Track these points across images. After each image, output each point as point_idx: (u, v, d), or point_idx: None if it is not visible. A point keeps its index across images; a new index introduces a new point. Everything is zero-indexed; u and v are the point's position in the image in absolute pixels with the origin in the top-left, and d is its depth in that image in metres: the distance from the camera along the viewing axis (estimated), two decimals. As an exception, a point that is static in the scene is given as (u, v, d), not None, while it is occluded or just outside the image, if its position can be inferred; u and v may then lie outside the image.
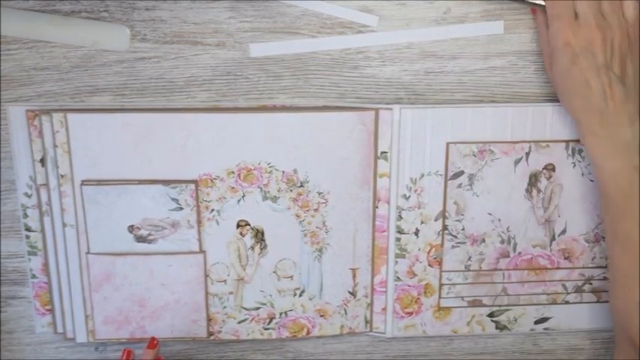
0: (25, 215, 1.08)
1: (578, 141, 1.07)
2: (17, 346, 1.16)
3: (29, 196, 1.07)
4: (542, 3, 1.01)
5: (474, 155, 1.07)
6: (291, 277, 1.10)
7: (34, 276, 1.11)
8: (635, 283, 1.00)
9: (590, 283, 1.15)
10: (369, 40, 1.05)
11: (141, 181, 1.04)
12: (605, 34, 0.96)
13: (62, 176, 1.04)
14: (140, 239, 1.07)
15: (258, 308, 1.12)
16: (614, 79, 0.96)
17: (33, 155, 1.05)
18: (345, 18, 1.04)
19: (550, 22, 0.99)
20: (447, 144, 1.06)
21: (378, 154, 1.06)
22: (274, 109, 1.04)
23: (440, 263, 1.12)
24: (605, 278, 1.15)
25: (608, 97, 0.96)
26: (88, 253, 1.07)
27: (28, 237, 1.09)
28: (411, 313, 1.14)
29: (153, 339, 1.09)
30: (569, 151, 1.07)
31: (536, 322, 1.17)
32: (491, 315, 1.16)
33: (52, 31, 1.03)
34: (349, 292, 1.12)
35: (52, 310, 1.12)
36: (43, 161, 1.05)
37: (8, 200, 1.09)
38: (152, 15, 1.03)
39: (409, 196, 1.08)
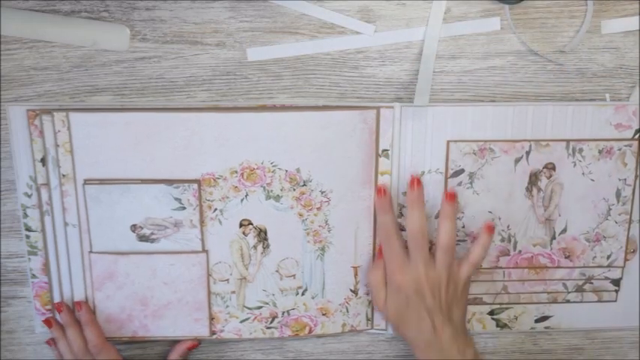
0: (25, 215, 1.08)
1: (578, 140, 1.07)
2: (17, 346, 1.16)
3: (29, 196, 1.07)
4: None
5: (475, 154, 1.07)
6: (294, 275, 1.11)
7: (34, 276, 1.11)
8: None
9: (591, 283, 1.15)
10: (368, 41, 1.05)
11: (143, 181, 1.04)
12: (432, 286, 1.05)
13: (64, 176, 1.04)
14: (143, 238, 1.07)
15: (260, 307, 1.12)
16: (443, 320, 1.05)
17: (33, 155, 1.04)
18: (343, 25, 1.05)
19: (386, 263, 1.09)
20: (448, 142, 1.06)
21: (380, 152, 1.06)
22: (276, 108, 1.04)
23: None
24: (606, 278, 1.15)
25: (438, 333, 1.04)
26: (90, 252, 1.07)
27: (28, 237, 1.09)
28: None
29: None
30: (570, 150, 1.07)
31: (537, 321, 1.17)
32: (491, 313, 1.16)
33: (52, 31, 1.02)
34: (351, 290, 1.12)
35: (52, 310, 1.12)
36: (43, 161, 1.04)
37: (8, 200, 1.09)
38: (152, 15, 1.03)
39: (410, 194, 1.09)
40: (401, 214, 1.10)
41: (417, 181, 1.07)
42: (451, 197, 1.07)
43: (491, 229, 1.08)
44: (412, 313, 1.05)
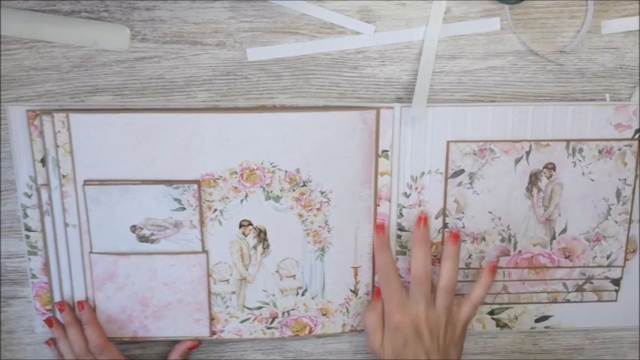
0: (25, 215, 1.08)
1: (578, 140, 1.07)
2: (17, 346, 1.16)
3: (29, 196, 1.07)
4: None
5: (475, 154, 1.07)
6: (294, 276, 1.11)
7: (34, 276, 1.11)
8: None
9: (591, 283, 1.15)
10: (368, 41, 1.05)
11: (143, 181, 1.04)
12: (431, 327, 1.06)
13: (64, 176, 1.04)
14: (143, 239, 1.07)
15: (260, 308, 1.12)
16: None
17: (33, 155, 1.04)
18: (343, 25, 1.05)
19: (384, 302, 1.08)
20: (448, 142, 1.06)
21: (380, 153, 1.06)
22: (276, 108, 1.04)
23: (440, 261, 1.12)
24: (606, 277, 1.15)
25: None
26: (90, 252, 1.07)
27: (28, 237, 1.09)
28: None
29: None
30: (570, 151, 1.07)
31: (537, 321, 1.17)
32: (491, 313, 1.16)
33: (52, 31, 1.02)
34: (351, 291, 1.13)
35: (52, 310, 1.12)
36: (43, 161, 1.04)
37: (8, 200, 1.09)
38: (152, 15, 1.03)
39: (410, 194, 1.09)
40: (401, 214, 1.10)
41: (423, 220, 1.08)
42: (455, 237, 1.08)
43: (493, 269, 1.10)
44: (409, 355, 1.05)
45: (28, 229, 1.08)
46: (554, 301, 1.16)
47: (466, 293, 1.11)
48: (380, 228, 1.09)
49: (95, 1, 1.02)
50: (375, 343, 1.09)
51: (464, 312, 1.08)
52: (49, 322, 1.11)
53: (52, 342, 1.13)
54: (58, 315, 1.11)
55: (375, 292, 1.11)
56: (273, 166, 1.05)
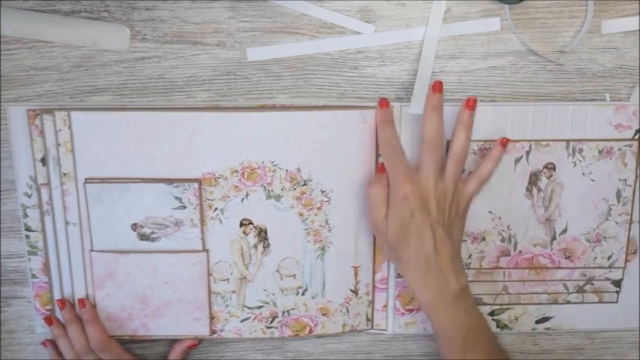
0: (25, 215, 1.08)
1: (578, 140, 1.07)
2: (17, 346, 1.16)
3: (29, 196, 1.07)
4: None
5: (474, 153, 1.07)
6: (294, 275, 1.10)
7: (34, 276, 1.11)
8: None
9: (592, 284, 1.15)
10: (368, 41, 1.05)
11: (144, 180, 1.04)
12: (439, 198, 1.02)
13: (65, 175, 1.04)
14: (143, 237, 1.07)
15: (260, 307, 1.12)
16: (445, 237, 1.02)
17: (34, 155, 1.05)
18: (343, 25, 1.05)
19: (390, 175, 1.04)
20: (448, 142, 1.06)
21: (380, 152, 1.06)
22: (276, 108, 1.04)
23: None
24: (606, 279, 1.15)
25: (439, 249, 1.02)
26: (91, 250, 1.07)
27: (28, 237, 1.09)
28: (411, 310, 1.14)
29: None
30: (570, 151, 1.08)
31: (538, 322, 1.17)
32: (492, 314, 1.16)
33: (52, 31, 1.03)
34: (351, 290, 1.12)
35: (52, 310, 1.12)
36: (43, 160, 1.04)
37: (8, 200, 1.09)
38: (152, 15, 1.03)
39: (410, 194, 1.09)
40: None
41: (438, 86, 1.02)
42: (471, 105, 1.04)
43: (504, 143, 1.06)
44: (414, 228, 1.01)
45: (28, 229, 1.08)
46: (555, 302, 1.16)
47: (474, 167, 1.08)
48: (384, 103, 1.04)
49: (95, 1, 1.02)
50: (378, 218, 1.04)
51: (470, 186, 1.05)
52: (49, 320, 1.11)
53: (48, 343, 1.13)
54: (58, 313, 1.11)
55: (379, 167, 1.06)
56: (274, 165, 1.05)
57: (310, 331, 1.14)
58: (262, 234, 1.08)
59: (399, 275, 1.13)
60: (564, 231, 1.12)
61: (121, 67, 1.05)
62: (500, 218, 1.11)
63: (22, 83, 1.04)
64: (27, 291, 1.13)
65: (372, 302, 1.14)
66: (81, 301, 1.09)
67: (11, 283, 1.13)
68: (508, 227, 1.11)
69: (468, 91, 1.08)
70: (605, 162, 1.09)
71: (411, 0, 1.04)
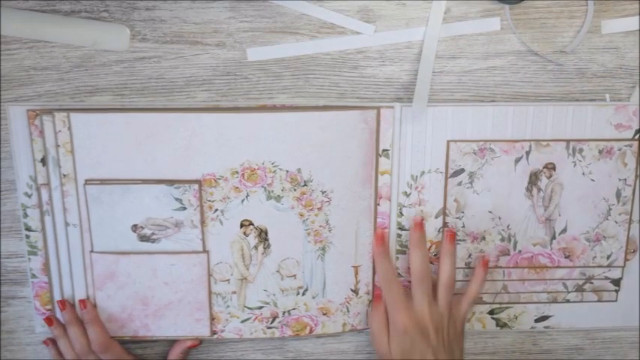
0: (25, 215, 1.08)
1: (578, 140, 1.07)
2: (17, 346, 1.16)
3: (29, 196, 1.07)
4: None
5: (475, 153, 1.07)
6: (295, 276, 1.11)
7: (34, 276, 1.11)
8: None
9: (591, 283, 1.15)
10: (368, 41, 1.05)
11: (144, 181, 1.04)
12: (436, 324, 1.08)
13: (65, 176, 1.04)
14: (143, 238, 1.07)
15: (261, 307, 1.12)
16: (447, 359, 1.08)
17: (33, 155, 1.04)
18: (343, 25, 1.05)
19: (388, 306, 1.09)
20: (448, 142, 1.07)
21: (380, 152, 1.06)
22: (276, 108, 1.04)
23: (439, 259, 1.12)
24: (606, 278, 1.15)
25: None
26: (91, 251, 1.07)
27: (28, 237, 1.09)
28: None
29: None
30: (570, 150, 1.08)
31: (537, 321, 1.17)
32: (491, 312, 1.16)
33: (52, 31, 1.02)
34: (351, 290, 1.13)
35: (52, 310, 1.12)
36: (43, 161, 1.04)
37: (8, 200, 1.09)
38: (152, 15, 1.03)
39: (410, 194, 1.09)
40: (401, 214, 1.10)
41: (419, 224, 1.10)
42: (451, 237, 1.10)
43: (486, 264, 1.12)
44: (418, 355, 1.05)
45: (28, 228, 1.08)
46: (554, 301, 1.16)
47: (462, 289, 1.12)
48: (379, 239, 1.10)
49: (95, 1, 1.02)
50: (382, 346, 1.09)
51: (462, 307, 1.10)
52: (49, 320, 1.11)
53: (50, 342, 1.13)
54: (58, 314, 1.11)
55: (376, 295, 1.12)
56: (274, 166, 1.05)
57: (311, 331, 1.14)
58: (263, 235, 1.08)
59: (399, 275, 1.13)
60: (564, 230, 1.12)
61: (121, 67, 1.04)
62: (500, 218, 1.11)
63: (22, 83, 1.04)
64: (27, 291, 1.13)
65: (372, 301, 1.14)
66: (82, 301, 1.09)
67: (11, 283, 1.13)
68: (508, 227, 1.11)
69: (468, 91, 1.08)
70: (605, 162, 1.09)
71: (411, 0, 1.04)
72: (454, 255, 1.10)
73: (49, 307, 1.12)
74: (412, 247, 1.09)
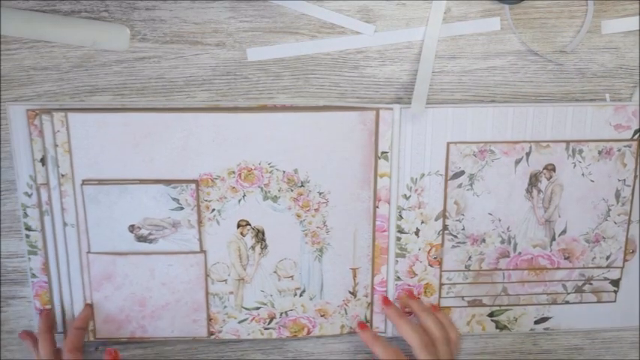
0: (25, 215, 1.08)
1: (578, 141, 1.07)
2: (17, 346, 1.16)
3: (29, 196, 1.07)
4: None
5: (475, 155, 1.07)
6: (292, 277, 1.11)
7: (34, 275, 1.11)
8: None
9: (591, 284, 1.15)
10: (368, 41, 1.05)
11: (142, 181, 1.04)
12: None
13: (63, 176, 1.04)
14: (141, 239, 1.07)
15: (258, 308, 1.12)
16: None
17: (33, 155, 1.05)
18: (343, 25, 1.05)
19: None
20: (448, 144, 1.06)
21: (379, 154, 1.06)
22: (275, 108, 1.04)
23: (440, 263, 1.12)
24: (605, 278, 1.15)
25: None
26: (88, 252, 1.08)
27: (28, 237, 1.09)
28: (411, 313, 1.14)
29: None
30: (570, 152, 1.07)
31: (537, 322, 1.17)
32: (491, 315, 1.16)
33: (52, 31, 1.03)
34: (349, 292, 1.12)
35: (52, 310, 1.12)
36: (43, 161, 1.04)
37: (8, 200, 1.09)
38: (152, 15, 1.03)
39: (409, 196, 1.09)
40: (400, 217, 1.10)
41: (386, 300, 1.14)
42: (385, 300, 1.14)
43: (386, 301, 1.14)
44: None
45: (28, 228, 1.08)
46: (554, 303, 1.16)
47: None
48: (362, 325, 1.13)
49: (95, 1, 1.02)
50: None
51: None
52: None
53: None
54: (59, 314, 1.12)
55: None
56: (271, 167, 1.05)
57: (308, 333, 1.14)
58: (260, 235, 1.08)
59: (398, 278, 1.13)
60: (564, 232, 1.12)
61: (121, 67, 1.05)
62: (500, 220, 1.11)
63: (22, 83, 1.04)
64: (27, 291, 1.13)
65: (371, 304, 1.14)
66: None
67: (11, 283, 1.13)
68: (508, 229, 1.11)
69: (468, 91, 1.08)
70: (604, 162, 1.08)
71: (411, 0, 1.04)
72: (429, 308, 1.12)
73: (48, 306, 1.12)
74: (395, 321, 1.11)
